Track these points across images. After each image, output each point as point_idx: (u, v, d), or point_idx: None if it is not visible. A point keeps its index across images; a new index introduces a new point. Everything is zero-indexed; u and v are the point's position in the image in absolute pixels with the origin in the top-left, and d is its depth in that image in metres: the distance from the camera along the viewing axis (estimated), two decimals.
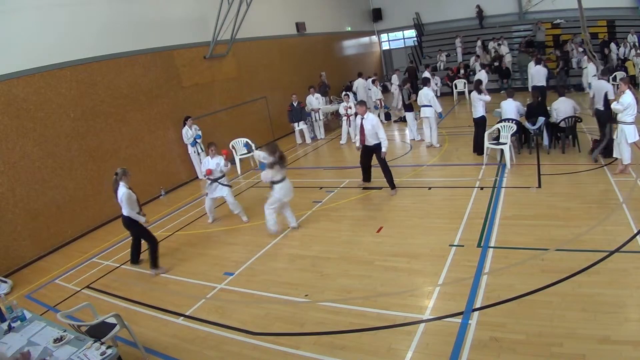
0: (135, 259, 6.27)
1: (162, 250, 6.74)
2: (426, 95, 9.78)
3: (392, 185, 7.57)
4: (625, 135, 6.54)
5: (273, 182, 6.23)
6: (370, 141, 7.45)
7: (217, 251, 6.42)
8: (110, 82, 8.66)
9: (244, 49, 12.47)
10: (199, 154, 10.36)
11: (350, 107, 11.66)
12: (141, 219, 5.84)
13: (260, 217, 7.38)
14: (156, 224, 7.94)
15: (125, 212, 5.68)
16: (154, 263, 5.92)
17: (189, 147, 10.19)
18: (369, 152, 7.65)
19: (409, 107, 10.77)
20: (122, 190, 5.61)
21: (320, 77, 15.09)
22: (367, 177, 8.08)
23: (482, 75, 13.35)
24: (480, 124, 8.76)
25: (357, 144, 7.88)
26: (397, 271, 5.02)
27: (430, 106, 9.71)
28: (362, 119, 7.45)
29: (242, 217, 7.40)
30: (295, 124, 12.72)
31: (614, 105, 6.81)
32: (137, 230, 5.94)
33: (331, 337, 4.02)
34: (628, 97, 6.48)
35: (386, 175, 7.56)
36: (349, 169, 8.83)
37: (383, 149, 7.30)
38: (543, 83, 11.26)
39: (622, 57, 14.92)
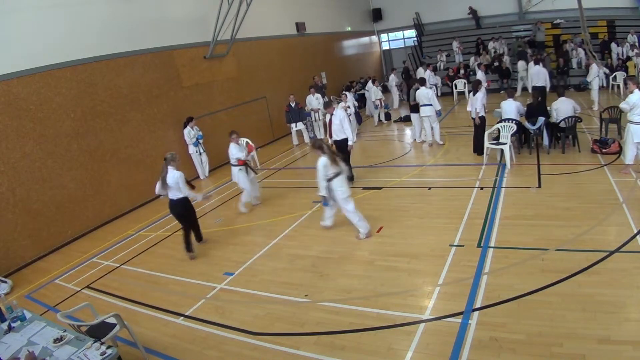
0: (190, 247, 6.21)
1: (162, 250, 6.77)
2: (425, 94, 9.86)
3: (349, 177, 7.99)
4: (632, 134, 6.56)
5: (329, 180, 5.75)
6: (339, 135, 7.89)
7: (217, 251, 6.42)
8: (110, 82, 8.66)
9: (244, 49, 12.48)
10: (200, 154, 10.38)
11: (348, 107, 11.73)
12: (198, 197, 6.02)
13: (258, 216, 7.41)
14: (156, 224, 7.95)
15: (181, 193, 5.75)
16: (189, 247, 6.15)
17: (191, 147, 10.20)
18: (338, 149, 7.89)
19: (414, 108, 10.72)
20: (175, 173, 5.66)
21: (313, 79, 14.94)
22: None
23: (480, 75, 13.45)
24: (479, 124, 8.76)
25: (330, 141, 8.27)
26: (397, 271, 5.01)
27: (431, 105, 9.80)
28: (331, 115, 7.96)
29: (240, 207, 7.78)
30: (293, 125, 12.71)
31: (621, 105, 6.85)
32: (190, 214, 6.11)
33: (331, 337, 4.02)
34: (635, 96, 6.48)
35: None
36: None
37: (350, 142, 7.82)
38: (543, 83, 11.26)
39: (623, 57, 14.93)
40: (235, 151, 7.45)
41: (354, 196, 7.67)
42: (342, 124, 7.79)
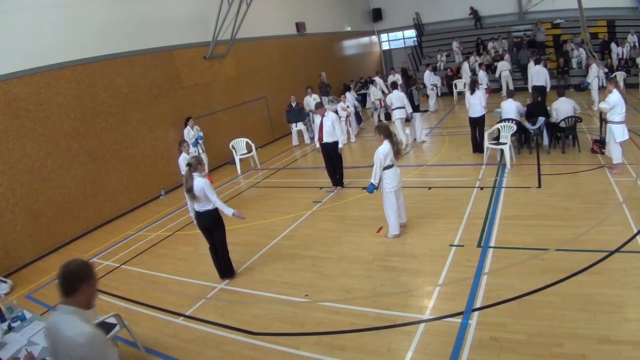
0: (223, 272, 5.46)
1: (162, 251, 6.77)
2: (398, 97, 10.27)
3: (338, 182, 8.07)
4: (613, 134, 6.70)
5: (384, 168, 5.55)
6: (330, 138, 7.82)
7: None
8: (110, 82, 8.66)
9: (244, 49, 12.48)
10: (199, 154, 10.36)
11: (348, 107, 11.84)
12: (228, 211, 4.97)
13: (258, 216, 7.41)
14: (156, 224, 7.95)
15: (210, 205, 4.99)
16: (230, 269, 5.43)
17: (190, 147, 10.17)
18: (328, 152, 7.99)
19: (417, 109, 10.75)
20: (201, 180, 4.91)
21: (320, 77, 15.10)
22: (335, 180, 8.21)
23: (481, 75, 13.60)
24: (478, 123, 8.82)
25: (317, 145, 8.18)
26: (397, 271, 5.02)
27: (403, 107, 10.23)
28: (322, 117, 7.85)
29: None
30: (293, 125, 12.71)
31: (601, 105, 7.00)
32: (221, 228, 5.23)
33: (331, 337, 4.02)
34: (615, 96, 6.67)
35: (337, 171, 8.04)
36: (348, 169, 8.83)
37: (340, 145, 7.76)
38: (543, 83, 11.26)
39: (623, 57, 14.93)
40: (184, 163, 7.05)
41: (355, 196, 7.72)
42: (333, 126, 7.73)
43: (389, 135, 5.55)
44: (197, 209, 5.16)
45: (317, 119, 8.00)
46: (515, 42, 17.39)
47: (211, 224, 5.19)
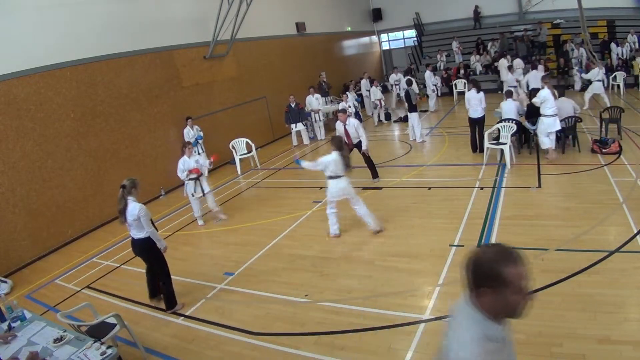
0: (155, 292, 5.13)
1: None
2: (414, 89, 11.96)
3: (375, 174, 8.30)
4: (545, 126, 7.67)
5: (329, 177, 5.86)
6: (354, 140, 8.16)
7: (217, 251, 6.41)
8: (110, 82, 8.66)
9: (244, 49, 12.48)
10: (199, 154, 10.35)
11: (349, 107, 11.87)
12: (163, 244, 4.70)
13: (258, 216, 7.41)
14: (156, 224, 7.91)
15: (143, 233, 4.53)
16: (172, 301, 4.88)
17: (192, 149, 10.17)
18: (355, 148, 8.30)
19: (413, 108, 10.78)
20: (136, 205, 4.43)
21: (319, 77, 15.10)
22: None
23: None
24: (478, 123, 8.86)
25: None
26: (397, 271, 5.01)
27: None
28: (344, 125, 8.01)
29: (220, 215, 7.57)
30: (293, 125, 12.69)
31: (533, 100, 7.89)
32: (157, 257, 4.72)
33: (331, 337, 4.02)
34: (544, 92, 7.56)
35: (369, 166, 8.29)
36: None
37: (364, 147, 7.97)
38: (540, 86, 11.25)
39: (623, 57, 14.93)
40: (182, 166, 7.13)
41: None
42: (357, 131, 7.98)
43: (339, 148, 5.80)
44: (131, 236, 4.68)
45: (340, 125, 8.13)
46: (514, 39, 17.44)
47: (145, 254, 4.74)
